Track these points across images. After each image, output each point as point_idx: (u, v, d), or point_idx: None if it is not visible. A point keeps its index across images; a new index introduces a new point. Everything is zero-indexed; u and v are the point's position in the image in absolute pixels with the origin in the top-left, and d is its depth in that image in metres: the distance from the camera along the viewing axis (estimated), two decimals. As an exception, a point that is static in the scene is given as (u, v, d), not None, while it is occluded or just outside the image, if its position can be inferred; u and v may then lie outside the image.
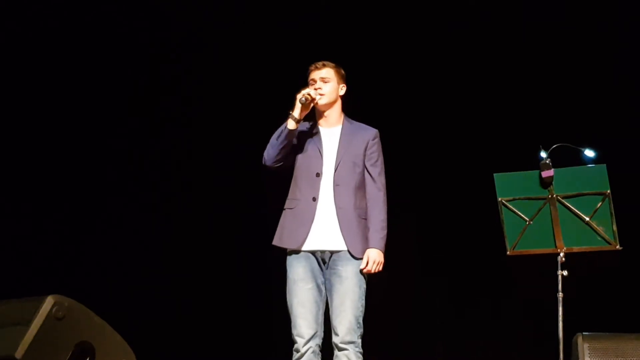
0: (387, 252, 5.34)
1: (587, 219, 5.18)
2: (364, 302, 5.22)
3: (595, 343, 5.31)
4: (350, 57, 7.66)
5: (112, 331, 5.42)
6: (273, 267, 5.62)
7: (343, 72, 5.42)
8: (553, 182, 5.19)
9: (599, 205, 5.14)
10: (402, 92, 7.93)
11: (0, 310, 5.39)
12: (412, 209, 7.82)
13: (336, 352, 5.18)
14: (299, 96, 5.18)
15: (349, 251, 5.19)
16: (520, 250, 5.37)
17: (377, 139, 5.40)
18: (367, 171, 5.33)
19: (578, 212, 5.20)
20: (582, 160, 5.28)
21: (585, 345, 5.31)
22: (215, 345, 8.02)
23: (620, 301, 7.08)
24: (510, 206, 5.31)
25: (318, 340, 5.20)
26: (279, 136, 5.22)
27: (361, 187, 5.30)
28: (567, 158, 5.23)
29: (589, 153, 5.30)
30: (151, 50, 8.32)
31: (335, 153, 5.31)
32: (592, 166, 5.20)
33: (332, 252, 5.22)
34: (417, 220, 7.85)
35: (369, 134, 5.38)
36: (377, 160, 5.36)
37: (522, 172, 5.33)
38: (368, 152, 5.34)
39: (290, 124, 5.19)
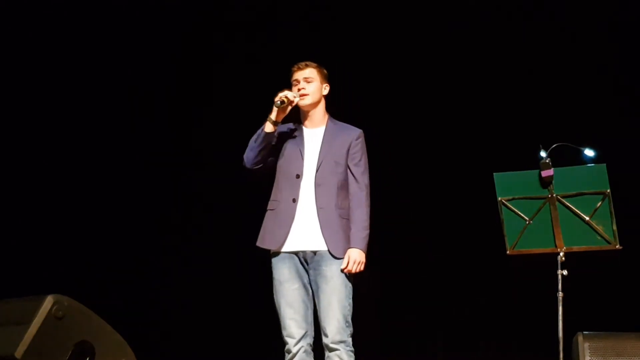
0: (386, 252, 5.33)
1: (587, 218, 5.17)
2: (351, 300, 5.20)
3: (596, 342, 5.32)
4: (349, 57, 7.76)
5: (111, 331, 5.42)
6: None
7: (326, 72, 5.42)
8: (553, 182, 5.17)
9: (598, 204, 5.13)
10: (403, 92, 7.95)
11: (0, 310, 5.39)
12: (412, 209, 7.83)
13: (327, 353, 5.16)
14: (275, 99, 5.18)
15: (329, 252, 5.18)
16: (520, 250, 5.35)
17: (361, 139, 5.38)
18: (350, 171, 5.31)
19: (578, 212, 5.18)
20: (582, 160, 5.27)
21: (586, 345, 5.31)
22: (215, 346, 8.03)
23: (621, 300, 7.09)
24: (510, 206, 5.29)
25: (309, 340, 5.21)
26: (256, 139, 5.24)
27: (344, 187, 5.29)
28: (567, 157, 5.22)
29: (589, 152, 5.29)
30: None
31: (318, 153, 5.30)
32: (592, 166, 5.19)
33: (313, 252, 5.21)
34: (417, 220, 7.86)
35: (352, 134, 5.37)
36: (360, 160, 5.33)
37: (521, 171, 5.30)
38: (351, 152, 5.32)
39: (268, 127, 5.20)
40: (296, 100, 5.24)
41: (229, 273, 8.07)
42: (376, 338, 7.66)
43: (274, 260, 5.28)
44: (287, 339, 5.18)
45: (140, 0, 8.29)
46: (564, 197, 5.19)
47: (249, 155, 5.26)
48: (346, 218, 5.25)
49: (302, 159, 5.30)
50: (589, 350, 5.29)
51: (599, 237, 5.19)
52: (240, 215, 8.09)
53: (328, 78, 5.43)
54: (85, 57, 8.29)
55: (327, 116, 5.43)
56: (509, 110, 7.59)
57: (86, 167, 8.23)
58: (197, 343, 8.17)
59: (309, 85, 5.32)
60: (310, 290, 5.25)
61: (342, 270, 5.16)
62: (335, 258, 5.17)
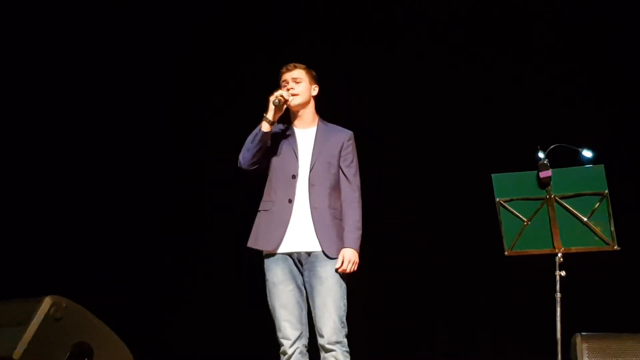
0: (386, 252, 5.34)
1: (585, 219, 5.17)
2: (346, 301, 5.22)
3: (594, 343, 5.33)
4: (349, 57, 7.76)
5: (109, 332, 5.43)
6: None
7: (314, 73, 5.45)
8: (551, 183, 5.18)
9: (596, 205, 5.13)
10: (403, 93, 7.94)
11: (-2, 311, 5.41)
12: (412, 208, 7.83)
13: (323, 354, 5.17)
14: (272, 98, 5.21)
15: (323, 252, 5.19)
16: (518, 251, 5.35)
17: (352, 141, 5.42)
18: (342, 172, 5.34)
19: (576, 213, 5.18)
20: (580, 161, 5.28)
21: (584, 345, 5.33)
22: (213, 346, 8.03)
23: (619, 301, 7.08)
24: (508, 207, 5.29)
25: (304, 341, 5.21)
26: (253, 139, 5.25)
27: (336, 187, 5.32)
28: (565, 158, 5.23)
29: (587, 153, 5.30)
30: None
31: (311, 153, 5.32)
32: (590, 166, 5.19)
33: (308, 254, 5.23)
34: (417, 220, 7.85)
35: (343, 136, 5.40)
36: (352, 162, 5.37)
37: (520, 172, 5.31)
38: (343, 154, 5.35)
39: (265, 127, 5.21)
40: (290, 99, 5.27)
41: (229, 273, 8.05)
42: (376, 338, 7.65)
43: (267, 261, 5.30)
44: (282, 341, 5.19)
45: (141, 0, 8.28)
46: (562, 198, 5.19)
47: (246, 155, 5.27)
48: (339, 218, 5.28)
49: (297, 159, 5.32)
50: (587, 351, 5.31)
51: (597, 238, 5.19)
52: (240, 215, 8.06)
53: (317, 79, 5.45)
54: (85, 57, 8.29)
55: (317, 117, 5.46)
56: (507, 111, 7.58)
57: (86, 167, 8.23)
58: (194, 344, 8.17)
59: (297, 86, 5.35)
60: (304, 292, 5.25)
61: (336, 270, 5.17)
62: (330, 258, 5.19)
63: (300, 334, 5.18)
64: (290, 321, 5.17)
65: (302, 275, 5.25)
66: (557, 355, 5.16)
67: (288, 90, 5.30)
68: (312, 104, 5.43)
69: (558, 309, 5.20)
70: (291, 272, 5.23)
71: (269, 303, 5.25)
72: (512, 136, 7.33)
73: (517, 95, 7.61)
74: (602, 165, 5.12)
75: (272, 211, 5.28)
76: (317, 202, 5.24)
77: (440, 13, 7.88)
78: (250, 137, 5.27)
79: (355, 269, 5.21)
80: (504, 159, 6.01)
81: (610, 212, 5.12)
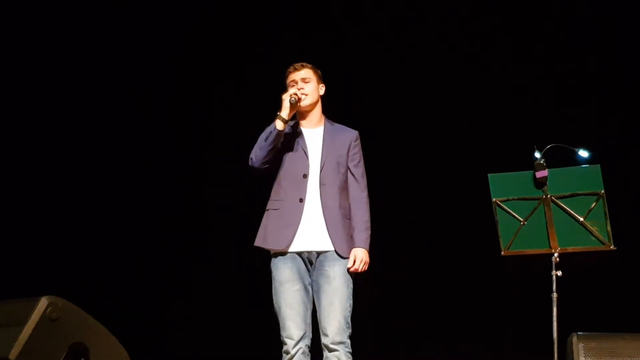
0: (383, 252, 5.34)
1: (582, 219, 5.17)
2: (352, 302, 5.23)
3: (590, 343, 5.31)
4: (350, 58, 7.76)
5: (106, 332, 5.41)
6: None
7: (320, 72, 5.47)
8: (547, 183, 5.17)
9: (593, 205, 5.12)
10: (402, 93, 7.94)
11: (-6, 311, 5.40)
12: (412, 209, 7.83)
13: (326, 353, 5.17)
14: (286, 96, 5.22)
15: (335, 251, 5.20)
16: (515, 251, 5.35)
17: (359, 140, 5.47)
18: (350, 172, 5.37)
19: (572, 213, 5.18)
20: (576, 161, 5.28)
21: (580, 345, 5.31)
22: (213, 346, 8.03)
23: (615, 301, 7.08)
24: (505, 206, 5.29)
25: (307, 341, 5.21)
26: (267, 137, 5.24)
27: (344, 187, 5.34)
28: (561, 158, 5.22)
29: (583, 153, 5.29)
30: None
31: (320, 153, 5.34)
32: (586, 166, 5.19)
33: (318, 253, 5.24)
34: (417, 220, 7.85)
35: (350, 135, 5.43)
36: (359, 161, 5.42)
37: (516, 172, 5.30)
38: (351, 153, 5.39)
39: (279, 125, 5.21)
40: (303, 98, 5.28)
41: (229, 273, 8.06)
42: (375, 338, 7.65)
43: (274, 260, 5.29)
44: (286, 340, 5.18)
45: (141, 0, 8.29)
46: (558, 197, 5.19)
47: (259, 154, 5.25)
48: (348, 218, 5.30)
49: (307, 158, 5.32)
50: (583, 351, 5.28)
51: (594, 238, 5.18)
52: (240, 215, 8.09)
53: (323, 79, 5.46)
54: (85, 57, 8.30)
55: (323, 117, 5.48)
56: (504, 111, 7.59)
57: (86, 167, 8.23)
58: (191, 344, 8.18)
59: (307, 86, 5.36)
60: (311, 291, 5.25)
61: (348, 270, 5.19)
62: (341, 257, 5.21)
63: (304, 334, 5.18)
64: (295, 321, 5.17)
65: (309, 275, 5.25)
66: (553, 355, 5.16)
67: (299, 90, 5.31)
68: (319, 103, 5.45)
69: (554, 309, 5.19)
70: (299, 272, 5.23)
71: (275, 301, 5.25)
72: (508, 136, 7.34)
73: (514, 95, 7.61)
74: (598, 165, 5.12)
75: (282, 210, 5.28)
76: (329, 201, 5.25)
77: (438, 13, 7.88)
78: (263, 136, 5.27)
79: (366, 268, 5.24)
80: (500, 159, 6.02)
81: (607, 212, 5.12)
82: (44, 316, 5.10)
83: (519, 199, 5.27)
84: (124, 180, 8.28)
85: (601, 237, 5.16)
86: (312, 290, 5.25)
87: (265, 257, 5.38)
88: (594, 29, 7.44)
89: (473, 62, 7.80)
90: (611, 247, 5.17)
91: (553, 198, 5.19)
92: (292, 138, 5.37)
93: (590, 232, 5.18)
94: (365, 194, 5.36)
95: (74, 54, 8.27)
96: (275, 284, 5.26)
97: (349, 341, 5.18)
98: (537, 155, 5.19)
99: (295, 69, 5.40)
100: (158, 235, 8.28)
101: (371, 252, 5.31)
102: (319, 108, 5.45)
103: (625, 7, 7.37)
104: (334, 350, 5.14)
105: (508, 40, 7.69)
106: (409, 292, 7.80)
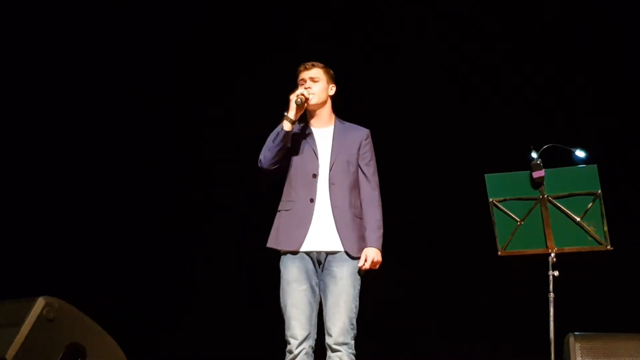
0: (386, 252, 5.34)
1: (578, 219, 5.16)
2: (358, 303, 5.21)
3: (587, 343, 5.31)
4: (350, 58, 7.76)
5: (103, 333, 5.42)
6: (272, 267, 5.63)
7: (332, 72, 5.43)
8: (544, 183, 5.16)
9: (589, 205, 5.11)
10: (402, 93, 7.95)
11: (-9, 311, 5.41)
12: (412, 208, 7.83)
13: (329, 353, 5.16)
14: (293, 97, 5.19)
15: (345, 252, 5.19)
16: (512, 251, 5.34)
17: (369, 139, 5.42)
18: (362, 170, 5.34)
19: (569, 213, 5.17)
20: (573, 161, 5.26)
21: (577, 345, 5.31)
22: (213, 346, 8.04)
23: (612, 301, 7.08)
24: (502, 207, 5.28)
25: (311, 342, 5.18)
26: (275, 138, 5.22)
27: (355, 186, 5.31)
28: (558, 158, 5.21)
29: (580, 153, 5.28)
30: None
31: (330, 152, 5.31)
32: (583, 166, 5.17)
33: (327, 253, 5.22)
34: (417, 220, 7.85)
35: (361, 134, 5.40)
36: (370, 160, 5.38)
37: (513, 172, 5.29)
38: (361, 152, 5.35)
39: (287, 126, 5.19)
40: (311, 97, 5.26)
41: (229, 273, 8.07)
42: (375, 338, 7.65)
43: (284, 259, 5.27)
44: (290, 339, 5.15)
45: (141, 0, 8.29)
46: (555, 198, 5.18)
47: (267, 155, 5.24)
48: (359, 217, 5.28)
49: (317, 158, 5.31)
50: (580, 351, 5.29)
51: (590, 238, 5.17)
52: (240, 215, 8.11)
53: (335, 79, 5.44)
54: (85, 57, 8.32)
55: (334, 116, 5.45)
56: (500, 111, 7.61)
57: (86, 167, 8.25)
58: (197, 343, 8.18)
59: (315, 85, 5.33)
60: (318, 292, 5.23)
61: (359, 270, 5.18)
62: (351, 258, 5.19)
63: (308, 334, 5.15)
64: (300, 320, 5.14)
65: (317, 275, 5.24)
66: (550, 355, 5.15)
67: (306, 89, 5.29)
68: (329, 103, 5.42)
69: (551, 309, 5.18)
70: (306, 272, 5.21)
71: (281, 300, 5.22)
72: (505, 136, 7.34)
73: (511, 95, 7.62)
74: (595, 165, 5.11)
75: (293, 211, 5.26)
76: (338, 201, 5.23)
77: (436, 13, 7.89)
78: (271, 137, 5.26)
79: (377, 268, 5.23)
80: (497, 159, 6.01)
81: (603, 212, 5.11)
82: (40, 316, 5.11)
83: (515, 199, 5.26)
84: (124, 180, 8.30)
85: (598, 237, 5.15)
86: (319, 289, 5.24)
87: (270, 257, 5.37)
88: (591, 27, 7.45)
89: (471, 63, 7.81)
90: (608, 247, 5.16)
91: (550, 198, 5.18)
92: (302, 138, 5.36)
93: (587, 232, 5.16)
94: (376, 192, 5.32)
95: (74, 54, 8.29)
96: (283, 283, 5.24)
97: (352, 342, 5.18)
98: (534, 155, 5.18)
99: (306, 68, 5.38)
100: (158, 235, 8.29)
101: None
102: (328, 107, 5.43)
103: (625, 7, 7.36)
104: (337, 350, 5.13)
105: (507, 40, 7.69)
106: (409, 292, 7.80)
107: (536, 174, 5.17)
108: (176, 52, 8.43)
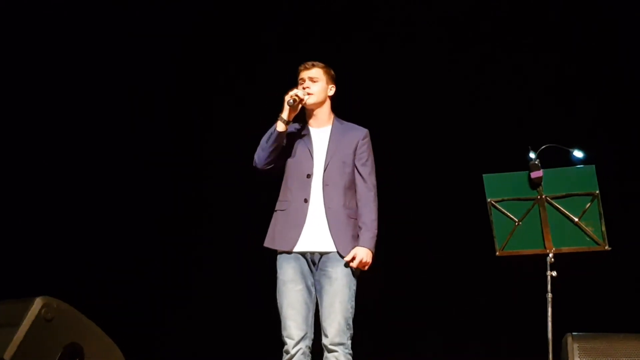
0: (382, 252, 5.34)
1: (576, 219, 5.16)
2: (353, 303, 5.21)
3: (585, 343, 5.34)
4: (350, 58, 7.76)
5: (101, 333, 5.43)
6: (272, 267, 5.63)
7: (333, 73, 5.42)
8: (542, 183, 5.17)
9: (587, 205, 5.12)
10: (402, 93, 7.95)
11: (-11, 312, 5.42)
12: (412, 208, 7.83)
13: (325, 353, 5.16)
14: (286, 98, 5.19)
15: (338, 252, 5.18)
16: (510, 251, 5.35)
17: (368, 139, 5.40)
18: (358, 171, 5.32)
19: (567, 213, 5.18)
20: (571, 161, 5.28)
21: (575, 345, 5.33)
22: (213, 346, 8.05)
23: (610, 301, 7.07)
24: (500, 207, 5.29)
25: (308, 342, 5.18)
26: (268, 139, 5.23)
27: (351, 186, 5.30)
28: (556, 159, 5.22)
29: (578, 154, 5.29)
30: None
31: (325, 153, 5.31)
32: (581, 167, 5.19)
33: (321, 254, 5.21)
34: (417, 220, 7.85)
35: (359, 134, 5.38)
36: (367, 160, 5.35)
37: (511, 173, 5.30)
38: (358, 152, 5.34)
39: (280, 126, 5.19)
40: (305, 98, 5.25)
41: (229, 273, 8.08)
42: (374, 338, 7.65)
43: (279, 259, 5.28)
44: (287, 340, 5.17)
45: (141, 0, 8.30)
46: (553, 198, 5.19)
47: (261, 155, 5.25)
48: (354, 218, 5.27)
49: (312, 158, 5.31)
50: (578, 351, 5.31)
51: (588, 238, 5.18)
52: (240, 215, 8.11)
53: (335, 79, 5.43)
54: (85, 57, 8.31)
55: (332, 116, 5.44)
56: (499, 111, 7.60)
57: (86, 167, 8.25)
58: (197, 343, 8.19)
59: (314, 85, 5.33)
60: (314, 292, 5.23)
61: (345, 265, 5.15)
62: (343, 259, 5.18)
63: (305, 334, 5.16)
64: (296, 321, 5.15)
65: (313, 275, 5.24)
66: (548, 355, 5.16)
67: (304, 88, 5.30)
68: (327, 103, 5.42)
69: (549, 309, 5.19)
70: (302, 272, 5.21)
71: (278, 301, 5.23)
72: (503, 137, 7.34)
73: (509, 95, 7.62)
74: (593, 165, 5.12)
75: (288, 211, 5.27)
76: (331, 201, 5.23)
77: (435, 13, 7.89)
78: (265, 137, 5.26)
79: (366, 269, 5.22)
80: (495, 160, 6.01)
81: (601, 212, 5.12)
82: (38, 317, 5.12)
83: (513, 200, 5.27)
84: (124, 181, 8.29)
85: (596, 238, 5.16)
86: (315, 290, 5.24)
87: (268, 257, 5.38)
88: (589, 27, 7.45)
89: (470, 63, 7.80)
90: (606, 248, 5.17)
91: (548, 198, 5.19)
92: (299, 138, 5.37)
93: (585, 233, 5.17)
94: (372, 193, 5.30)
95: (74, 54, 8.28)
96: (279, 283, 5.25)
97: (349, 342, 5.17)
98: (532, 155, 5.19)
99: (306, 68, 5.37)
100: (158, 235, 8.29)
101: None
102: (326, 108, 5.42)
103: (625, 7, 7.36)
104: (333, 351, 5.12)
105: (506, 40, 7.69)
106: (408, 292, 7.80)
107: (534, 174, 5.18)
108: (176, 52, 8.42)
